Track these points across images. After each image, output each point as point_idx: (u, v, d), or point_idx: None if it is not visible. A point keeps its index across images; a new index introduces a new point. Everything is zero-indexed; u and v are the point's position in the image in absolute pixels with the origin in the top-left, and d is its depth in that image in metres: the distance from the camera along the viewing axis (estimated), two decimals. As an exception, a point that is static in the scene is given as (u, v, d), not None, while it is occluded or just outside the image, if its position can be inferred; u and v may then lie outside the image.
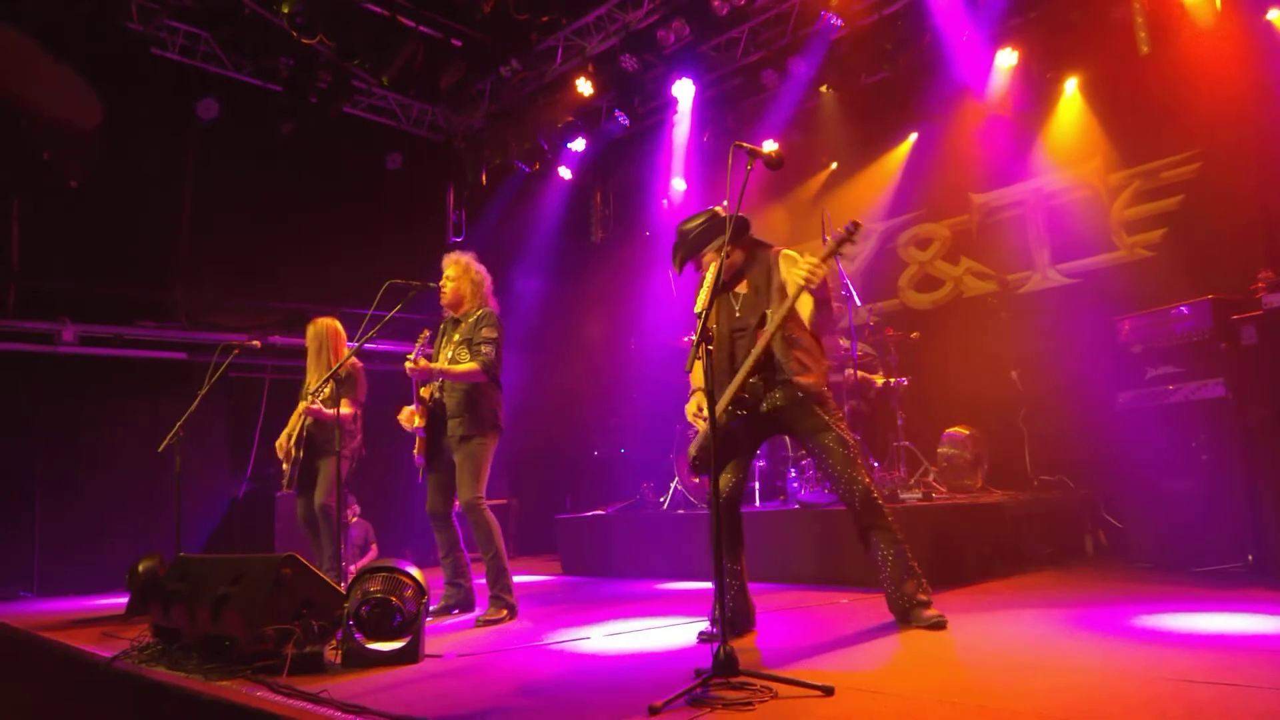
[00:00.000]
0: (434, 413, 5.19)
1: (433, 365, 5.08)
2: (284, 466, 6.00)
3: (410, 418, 5.18)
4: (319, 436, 5.93)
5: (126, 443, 8.15)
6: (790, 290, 3.86)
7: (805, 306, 3.98)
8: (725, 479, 4.06)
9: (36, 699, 4.95)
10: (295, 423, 6.06)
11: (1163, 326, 5.48)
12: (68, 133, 7.82)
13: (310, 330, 6.21)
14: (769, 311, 3.99)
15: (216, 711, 3.23)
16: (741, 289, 4.19)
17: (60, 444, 8.21)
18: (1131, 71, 7.08)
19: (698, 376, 4.27)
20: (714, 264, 3.46)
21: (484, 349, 5.07)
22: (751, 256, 4.20)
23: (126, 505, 8.23)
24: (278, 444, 6.09)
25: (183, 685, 3.50)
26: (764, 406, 4.06)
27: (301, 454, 5.91)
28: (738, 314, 4.15)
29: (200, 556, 4.89)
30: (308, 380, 6.18)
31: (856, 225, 3.88)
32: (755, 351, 3.94)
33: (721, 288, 4.19)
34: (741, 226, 4.13)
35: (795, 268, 3.81)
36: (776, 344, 3.98)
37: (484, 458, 5.07)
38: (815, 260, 3.77)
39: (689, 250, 4.21)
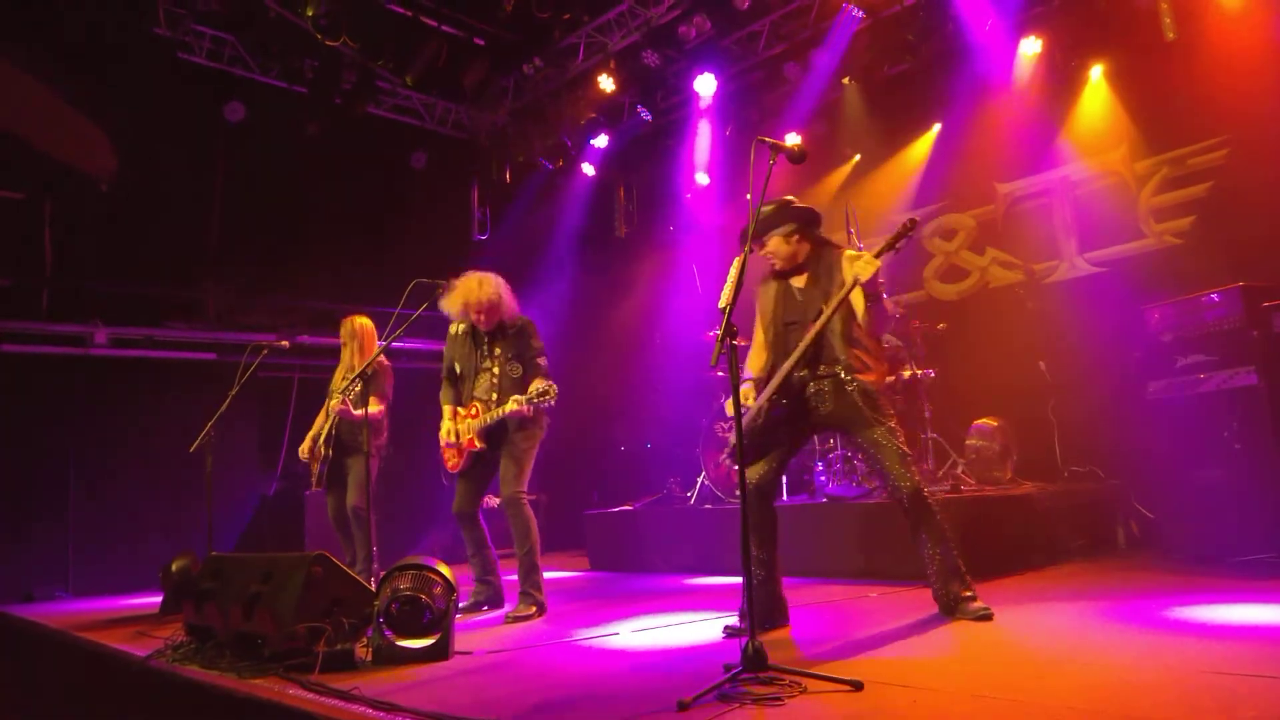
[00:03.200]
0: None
1: (505, 412, 5.00)
2: (312, 466, 6.05)
3: (472, 443, 5.20)
4: (347, 435, 5.98)
5: (159, 443, 8.22)
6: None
7: (859, 303, 3.98)
8: (759, 468, 4.08)
9: (73, 698, 5.03)
10: (322, 423, 6.11)
11: (1193, 314, 5.41)
12: (80, 176, 7.88)
13: (344, 328, 6.26)
14: (824, 307, 4.01)
15: (250, 709, 3.27)
16: (802, 282, 4.20)
17: (94, 445, 8.31)
18: (1157, 58, 6.97)
19: (753, 365, 4.29)
20: (737, 260, 3.45)
21: (541, 361, 5.21)
22: (817, 251, 4.22)
23: (159, 505, 8.33)
24: (301, 450, 6.13)
25: (216, 683, 3.55)
26: (813, 402, 4.07)
27: (330, 452, 5.96)
28: (799, 303, 4.16)
29: (232, 555, 4.94)
30: (336, 378, 6.24)
31: (914, 222, 3.93)
32: (804, 342, 3.97)
33: (781, 276, 4.25)
34: (812, 219, 4.24)
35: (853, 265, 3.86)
36: (835, 340, 4.00)
37: (531, 453, 5.17)
38: (870, 255, 3.80)
39: (755, 231, 4.18)
